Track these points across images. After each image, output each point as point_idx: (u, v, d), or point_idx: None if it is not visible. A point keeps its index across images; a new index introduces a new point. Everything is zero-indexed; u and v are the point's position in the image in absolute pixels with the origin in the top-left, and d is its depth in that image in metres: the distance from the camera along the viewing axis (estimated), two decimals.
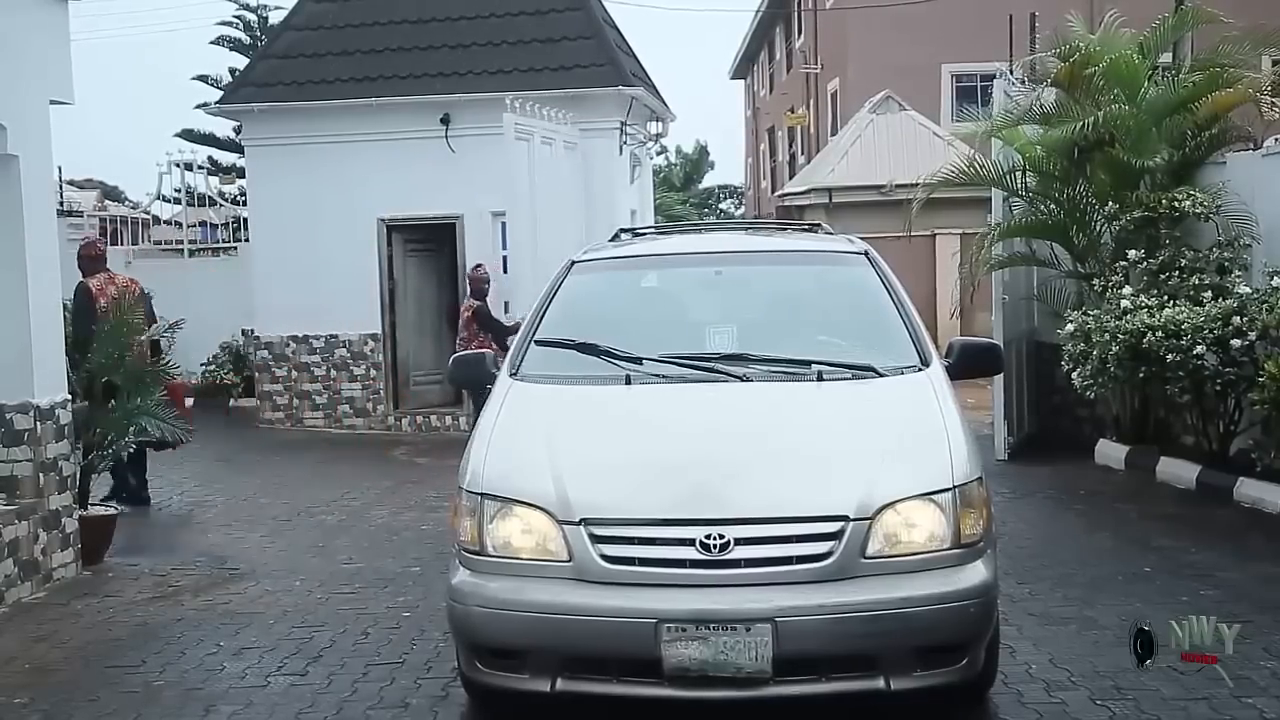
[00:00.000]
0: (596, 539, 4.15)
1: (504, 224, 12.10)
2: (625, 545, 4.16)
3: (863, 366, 4.91)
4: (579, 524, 4.16)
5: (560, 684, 4.18)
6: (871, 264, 5.62)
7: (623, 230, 7.32)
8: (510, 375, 5.07)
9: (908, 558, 4.17)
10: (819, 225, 7.42)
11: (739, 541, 4.08)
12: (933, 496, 4.23)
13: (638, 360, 4.96)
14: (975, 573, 4.21)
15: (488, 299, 11.53)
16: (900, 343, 5.11)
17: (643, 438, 4.63)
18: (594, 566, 4.13)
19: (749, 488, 4.26)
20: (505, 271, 12.04)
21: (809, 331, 5.40)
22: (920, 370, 4.92)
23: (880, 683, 4.11)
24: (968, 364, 5.19)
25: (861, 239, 6.15)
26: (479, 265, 12.06)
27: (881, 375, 4.86)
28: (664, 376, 4.91)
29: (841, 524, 4.10)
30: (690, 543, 4.09)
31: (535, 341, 5.24)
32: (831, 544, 4.09)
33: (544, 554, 4.23)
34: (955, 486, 4.25)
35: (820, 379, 4.80)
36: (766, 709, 4.25)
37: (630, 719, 4.42)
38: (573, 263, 5.88)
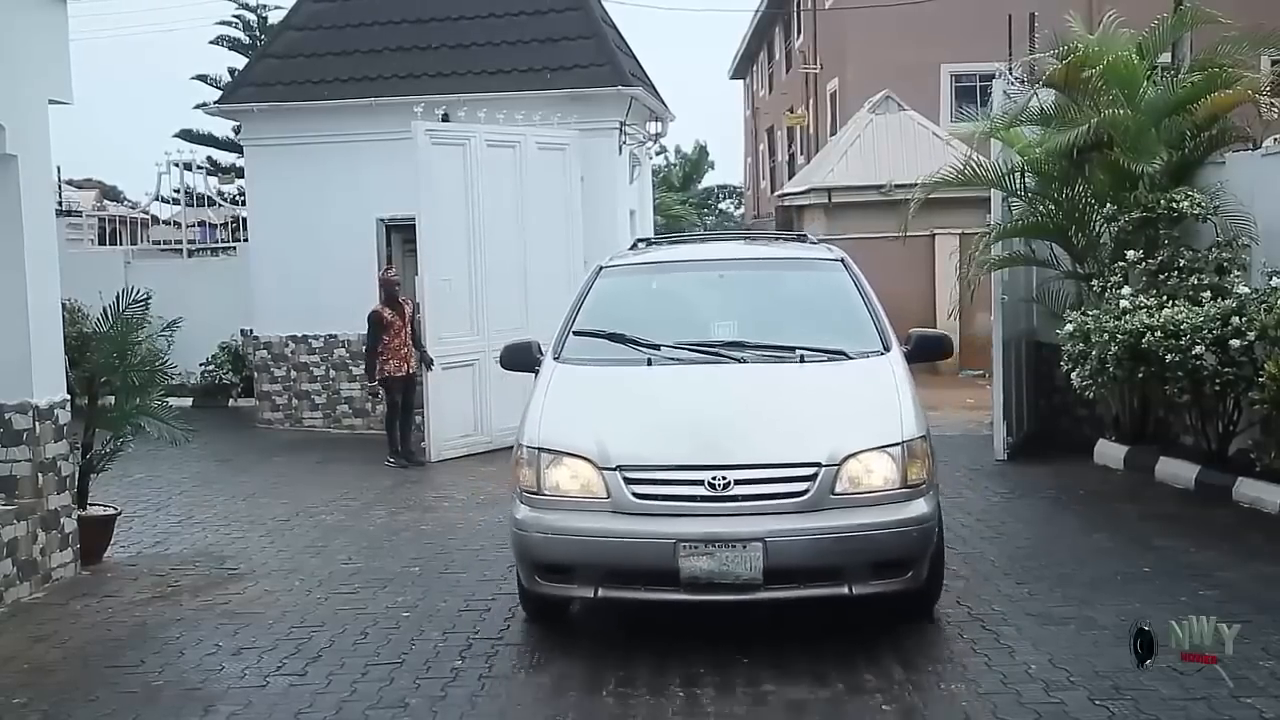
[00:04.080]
0: (629, 480, 5.34)
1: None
2: (651, 485, 5.35)
3: (836, 351, 6.09)
4: (615, 469, 5.36)
5: (601, 592, 5.43)
6: (846, 269, 6.83)
7: (640, 240, 8.52)
8: (554, 359, 6.26)
9: (866, 494, 5.35)
10: (805, 235, 8.96)
11: (738, 482, 5.26)
12: (886, 449, 5.41)
13: (656, 347, 6.15)
14: (917, 507, 5.40)
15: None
16: (867, 332, 6.28)
17: (662, 406, 5.82)
18: (627, 501, 5.33)
19: (745, 442, 5.45)
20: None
21: (794, 324, 6.51)
22: (882, 355, 6.10)
23: (845, 589, 5.30)
24: (923, 350, 6.40)
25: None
26: (389, 267, 12.30)
27: (851, 358, 6.05)
28: (677, 359, 6.10)
29: (816, 469, 5.29)
30: (700, 483, 5.27)
31: (573, 332, 6.44)
32: (808, 484, 5.27)
33: (587, 493, 5.42)
34: (904, 442, 5.43)
35: (802, 361, 6.01)
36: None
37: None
38: (600, 268, 7.08)
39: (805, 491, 5.24)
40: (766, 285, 6.97)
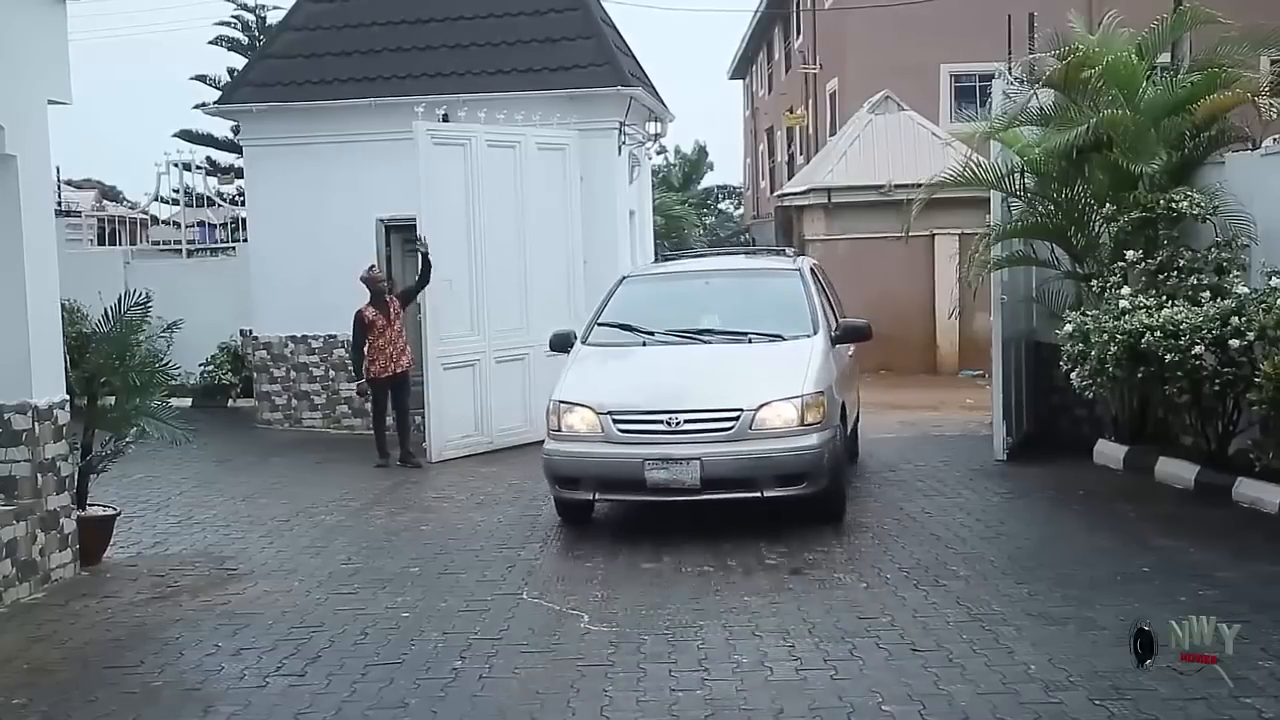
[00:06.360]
0: (615, 421, 7.92)
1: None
2: (629, 423, 7.90)
3: (775, 335, 8.67)
4: (607, 414, 7.94)
5: (597, 496, 8.17)
6: (800, 277, 9.36)
7: (663, 255, 12.00)
8: (582, 343, 8.99)
9: (773, 430, 7.78)
10: (784, 250, 12.40)
11: (686, 421, 7.78)
12: (790, 400, 7.85)
13: (651, 333, 8.86)
14: (810, 439, 7.79)
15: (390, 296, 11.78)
16: (803, 322, 8.74)
17: (645, 372, 8.51)
18: (614, 434, 7.91)
19: (693, 395, 7.94)
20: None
21: (753, 316, 8.99)
22: (809, 338, 8.55)
23: (758, 494, 7.77)
24: (847, 334, 9.11)
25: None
26: (373, 266, 12.25)
27: (785, 339, 8.58)
28: (664, 342, 8.78)
29: (739, 413, 7.75)
30: (661, 422, 7.82)
31: (598, 324, 9.19)
32: (733, 423, 7.75)
33: (590, 429, 8.01)
34: (803, 395, 7.88)
35: (750, 341, 8.63)
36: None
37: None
38: (624, 278, 10.01)
39: (731, 428, 7.72)
40: (739, 289, 9.64)
